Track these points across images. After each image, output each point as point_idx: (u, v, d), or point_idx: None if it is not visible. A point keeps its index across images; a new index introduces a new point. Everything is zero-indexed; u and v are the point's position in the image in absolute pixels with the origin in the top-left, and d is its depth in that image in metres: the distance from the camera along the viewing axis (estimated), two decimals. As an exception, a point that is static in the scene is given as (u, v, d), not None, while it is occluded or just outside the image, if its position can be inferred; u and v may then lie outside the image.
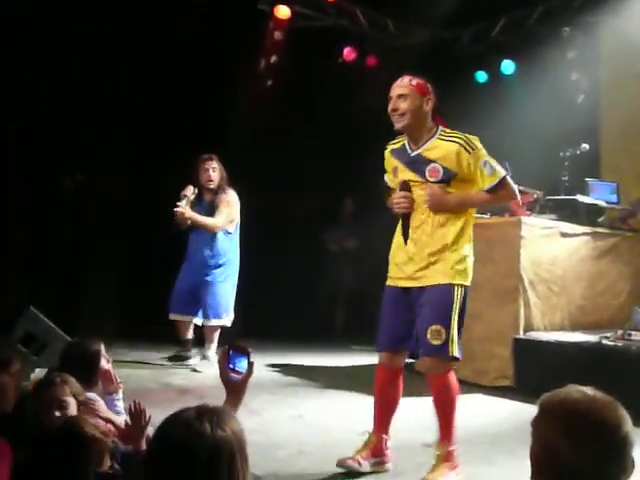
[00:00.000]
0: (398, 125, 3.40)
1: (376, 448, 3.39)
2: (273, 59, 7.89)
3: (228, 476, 1.42)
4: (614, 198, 6.74)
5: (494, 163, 3.35)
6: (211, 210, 5.96)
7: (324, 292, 8.86)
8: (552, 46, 7.72)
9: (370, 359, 6.80)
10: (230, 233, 6.10)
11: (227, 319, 6.09)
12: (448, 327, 3.21)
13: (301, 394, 5.08)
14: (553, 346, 5.17)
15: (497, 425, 4.28)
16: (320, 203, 8.35)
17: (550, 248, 5.69)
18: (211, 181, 5.94)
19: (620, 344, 4.97)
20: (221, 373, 2.07)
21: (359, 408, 4.67)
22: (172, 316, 6.10)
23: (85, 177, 6.02)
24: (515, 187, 3.48)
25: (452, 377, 3.31)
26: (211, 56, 7.16)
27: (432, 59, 8.28)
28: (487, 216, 5.88)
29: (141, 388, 4.90)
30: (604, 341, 5.07)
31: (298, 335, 7.57)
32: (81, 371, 2.83)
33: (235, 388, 2.05)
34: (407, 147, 3.46)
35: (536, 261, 5.54)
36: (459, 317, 3.29)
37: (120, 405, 3.01)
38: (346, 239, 8.77)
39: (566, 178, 6.45)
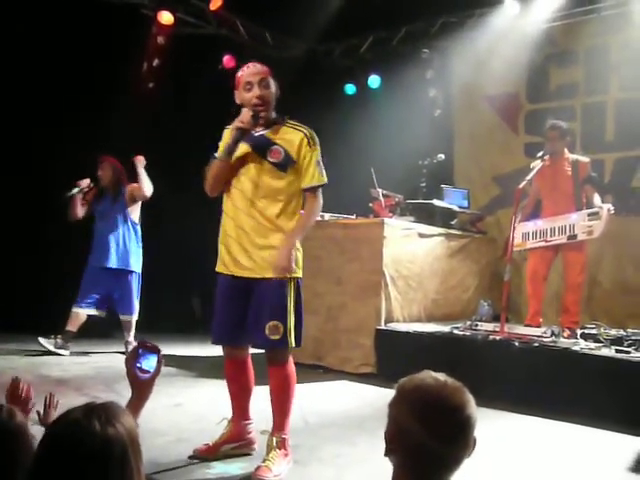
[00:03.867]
0: (264, 114, 3.08)
1: (235, 434, 3.30)
2: (155, 62, 7.69)
3: (121, 472, 1.34)
4: (465, 203, 7.10)
5: (323, 167, 3.14)
6: (112, 205, 6.03)
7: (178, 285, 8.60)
8: (413, 65, 8.00)
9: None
10: (136, 225, 6.13)
11: (137, 311, 6.13)
12: (285, 321, 3.03)
13: (178, 384, 4.96)
14: (410, 336, 5.32)
15: (361, 409, 4.32)
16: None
17: (409, 247, 5.87)
18: (101, 180, 6.09)
19: (468, 333, 5.22)
20: (128, 371, 1.91)
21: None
22: (77, 309, 5.90)
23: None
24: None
25: (290, 367, 3.15)
26: (94, 57, 6.84)
27: (307, 70, 8.35)
28: (353, 217, 6.02)
29: (17, 381, 4.62)
30: (455, 331, 5.30)
31: (169, 326, 7.36)
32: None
33: (142, 387, 1.91)
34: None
35: (397, 259, 5.69)
36: (296, 308, 3.09)
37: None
38: None
39: (424, 184, 6.72)
